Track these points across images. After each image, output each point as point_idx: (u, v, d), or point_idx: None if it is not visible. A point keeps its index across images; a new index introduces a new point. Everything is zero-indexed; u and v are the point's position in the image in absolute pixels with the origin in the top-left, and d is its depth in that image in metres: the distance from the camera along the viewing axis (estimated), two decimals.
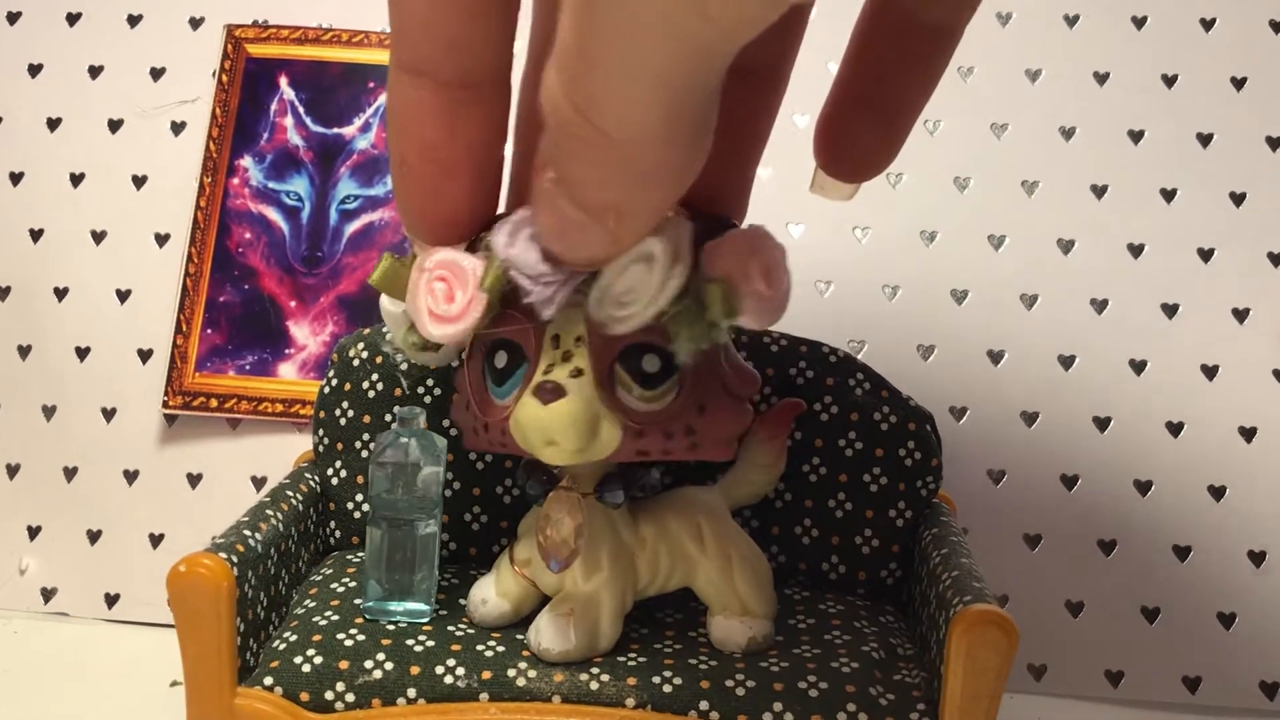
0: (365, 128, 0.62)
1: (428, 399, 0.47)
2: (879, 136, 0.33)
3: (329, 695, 0.39)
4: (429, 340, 0.35)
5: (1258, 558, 0.56)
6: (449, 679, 0.39)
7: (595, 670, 0.39)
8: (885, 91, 0.32)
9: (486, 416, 0.37)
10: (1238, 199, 0.60)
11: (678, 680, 0.39)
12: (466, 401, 0.39)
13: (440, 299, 0.34)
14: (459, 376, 0.40)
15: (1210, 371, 0.58)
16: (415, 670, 0.39)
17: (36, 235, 0.63)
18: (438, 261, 0.34)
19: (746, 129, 0.34)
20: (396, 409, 0.42)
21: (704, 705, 0.38)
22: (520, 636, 0.41)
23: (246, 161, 0.62)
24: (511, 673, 0.39)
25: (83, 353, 0.61)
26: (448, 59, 0.29)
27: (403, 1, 0.28)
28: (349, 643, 0.40)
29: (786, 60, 0.33)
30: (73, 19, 0.65)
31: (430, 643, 0.40)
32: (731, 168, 0.35)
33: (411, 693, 0.39)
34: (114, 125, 0.64)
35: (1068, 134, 0.61)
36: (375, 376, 0.47)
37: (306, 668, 0.39)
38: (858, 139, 0.33)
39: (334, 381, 0.48)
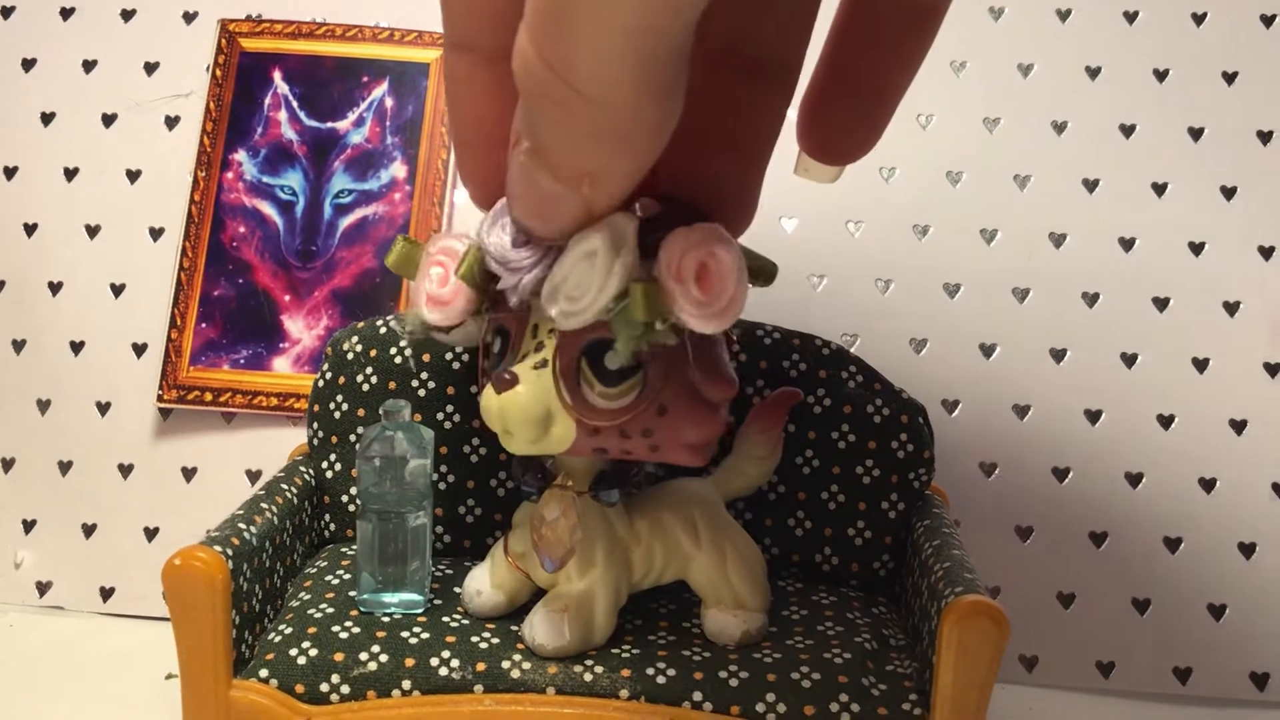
0: (359, 122, 0.62)
1: (421, 392, 0.47)
2: (862, 120, 0.33)
3: (324, 687, 0.39)
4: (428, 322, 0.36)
5: (1248, 549, 0.57)
6: (443, 671, 0.39)
7: (589, 662, 0.39)
8: (868, 74, 0.32)
9: None
10: (1229, 193, 0.60)
11: (671, 671, 0.39)
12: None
13: (436, 282, 0.35)
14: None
15: (1201, 364, 0.58)
16: (410, 662, 0.39)
17: (30, 229, 0.63)
18: (440, 246, 0.35)
19: (755, 130, 0.34)
20: (384, 403, 0.42)
21: (697, 696, 0.38)
22: (515, 628, 0.41)
23: (240, 156, 0.62)
24: (506, 664, 0.39)
25: (77, 347, 0.61)
26: (491, 34, 0.30)
27: None
28: (344, 635, 0.40)
29: (796, 61, 0.33)
30: (66, 13, 0.65)
31: (425, 634, 0.40)
32: (740, 169, 0.35)
33: (406, 684, 0.39)
34: (108, 119, 0.64)
35: (1059, 128, 0.61)
36: (369, 370, 0.48)
37: (301, 660, 0.39)
38: (841, 122, 0.33)
39: (328, 375, 0.48)
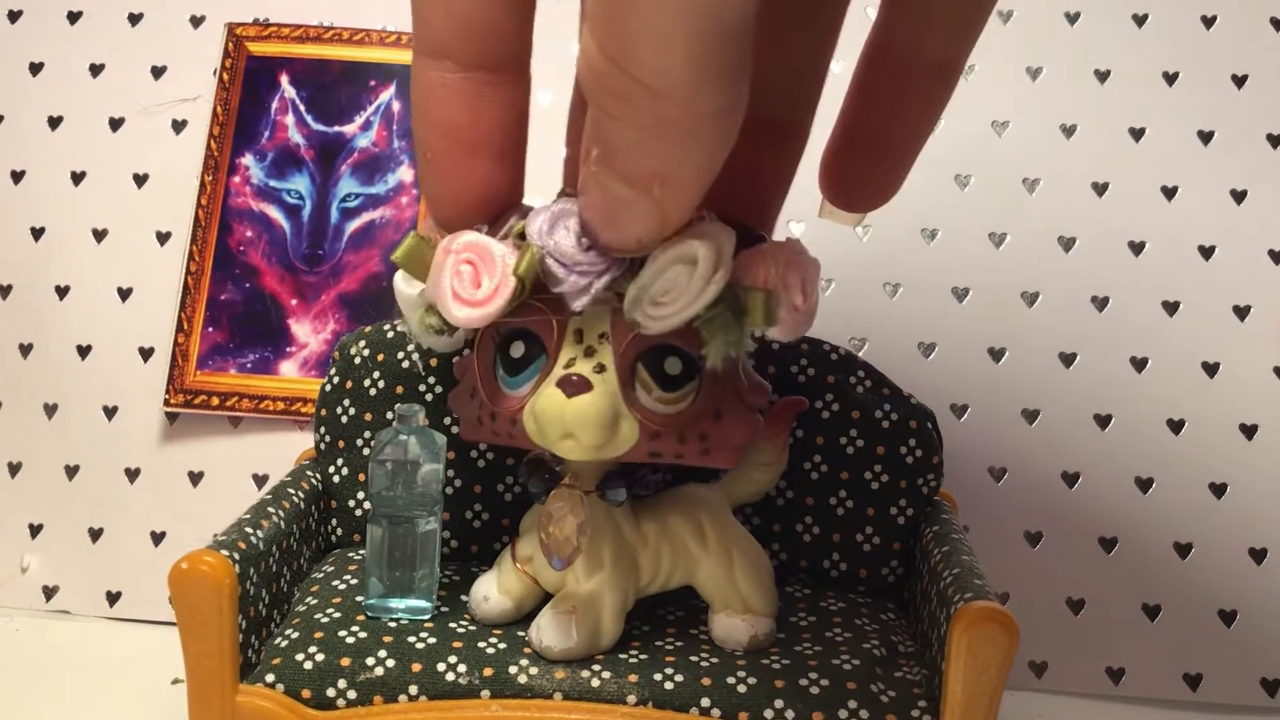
0: (366, 126, 0.62)
1: (429, 396, 0.47)
2: (881, 172, 0.34)
3: (331, 692, 0.39)
4: (445, 324, 0.35)
5: (1259, 555, 0.56)
6: (450, 676, 0.39)
7: (597, 667, 0.39)
8: (887, 128, 0.33)
9: (495, 406, 0.37)
10: (1239, 196, 0.60)
11: (679, 677, 0.39)
12: (471, 390, 0.39)
13: (467, 282, 0.34)
14: (460, 364, 0.41)
15: (1211, 369, 0.58)
16: (417, 667, 0.39)
17: (38, 234, 0.63)
18: (466, 243, 0.34)
19: (774, 180, 0.35)
20: (397, 406, 0.42)
21: (705, 702, 0.38)
22: (522, 633, 0.41)
23: (247, 160, 0.62)
24: (513, 670, 0.39)
25: (84, 351, 0.62)
26: (468, 43, 0.30)
27: None
28: (350, 640, 0.40)
29: (805, 117, 0.34)
30: (74, 17, 0.65)
31: (432, 640, 0.40)
32: (757, 217, 0.35)
33: (413, 690, 0.39)
34: (115, 124, 0.64)
35: (1069, 131, 0.61)
36: (377, 374, 0.47)
37: (308, 665, 0.39)
38: (861, 175, 0.34)
39: (335, 379, 0.48)
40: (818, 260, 0.34)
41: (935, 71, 0.32)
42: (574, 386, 0.35)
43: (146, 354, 0.61)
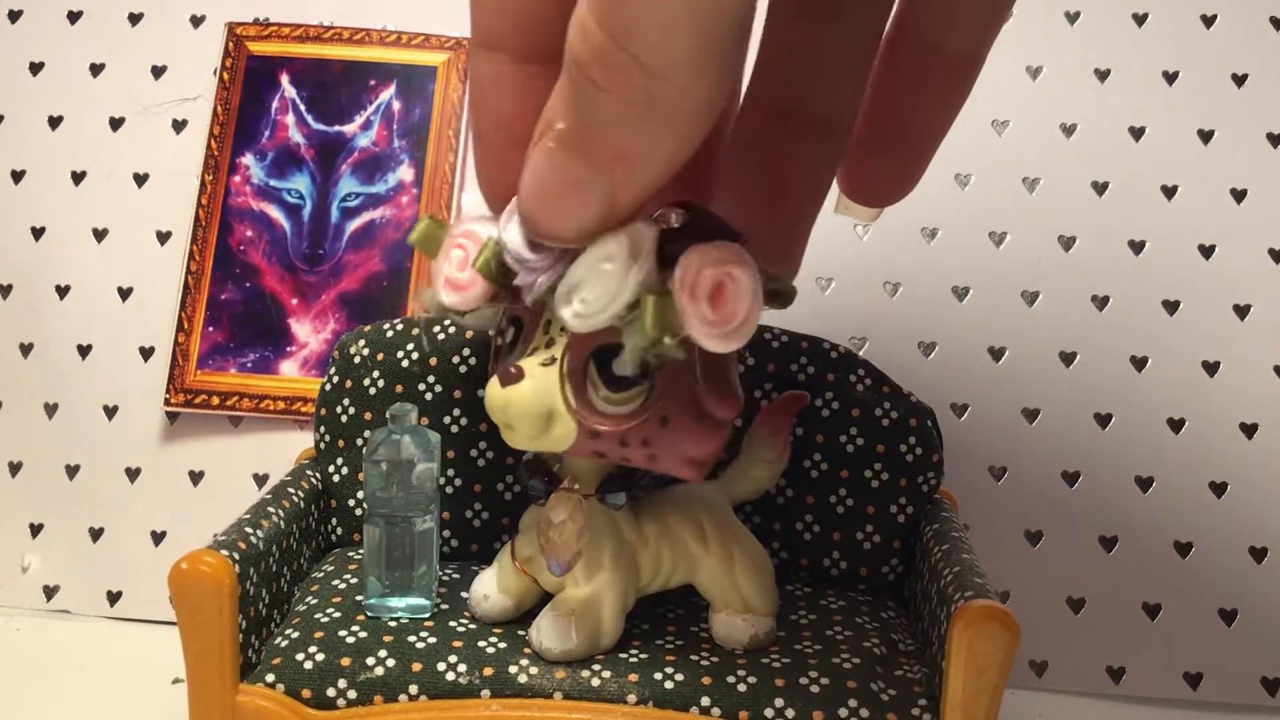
0: (366, 125, 0.62)
1: (428, 396, 0.47)
2: (900, 166, 0.33)
3: (331, 692, 0.39)
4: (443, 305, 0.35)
5: (1259, 554, 0.56)
6: (450, 675, 0.39)
7: (597, 667, 0.39)
8: (906, 122, 0.33)
9: None
10: (1239, 195, 0.60)
11: (679, 676, 0.39)
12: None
13: (455, 265, 0.34)
14: None
15: (1211, 368, 0.58)
16: (417, 667, 0.39)
17: (38, 233, 0.63)
18: (463, 230, 0.34)
19: (801, 188, 0.34)
20: (390, 406, 0.42)
21: (705, 701, 0.38)
22: (522, 633, 0.41)
23: (248, 159, 0.62)
24: (513, 669, 0.39)
25: (84, 350, 0.61)
26: (520, 34, 0.30)
27: None
28: (350, 640, 0.40)
29: (845, 119, 0.33)
30: (74, 17, 0.65)
31: (432, 639, 0.40)
32: (783, 226, 0.35)
33: (413, 689, 0.39)
34: (115, 123, 0.64)
35: (1069, 130, 0.61)
36: (376, 374, 0.47)
37: (308, 665, 0.39)
38: (879, 168, 0.33)
39: (335, 379, 0.48)
40: (753, 268, 0.30)
41: (956, 66, 0.32)
42: (508, 378, 0.34)
43: (147, 354, 0.61)
